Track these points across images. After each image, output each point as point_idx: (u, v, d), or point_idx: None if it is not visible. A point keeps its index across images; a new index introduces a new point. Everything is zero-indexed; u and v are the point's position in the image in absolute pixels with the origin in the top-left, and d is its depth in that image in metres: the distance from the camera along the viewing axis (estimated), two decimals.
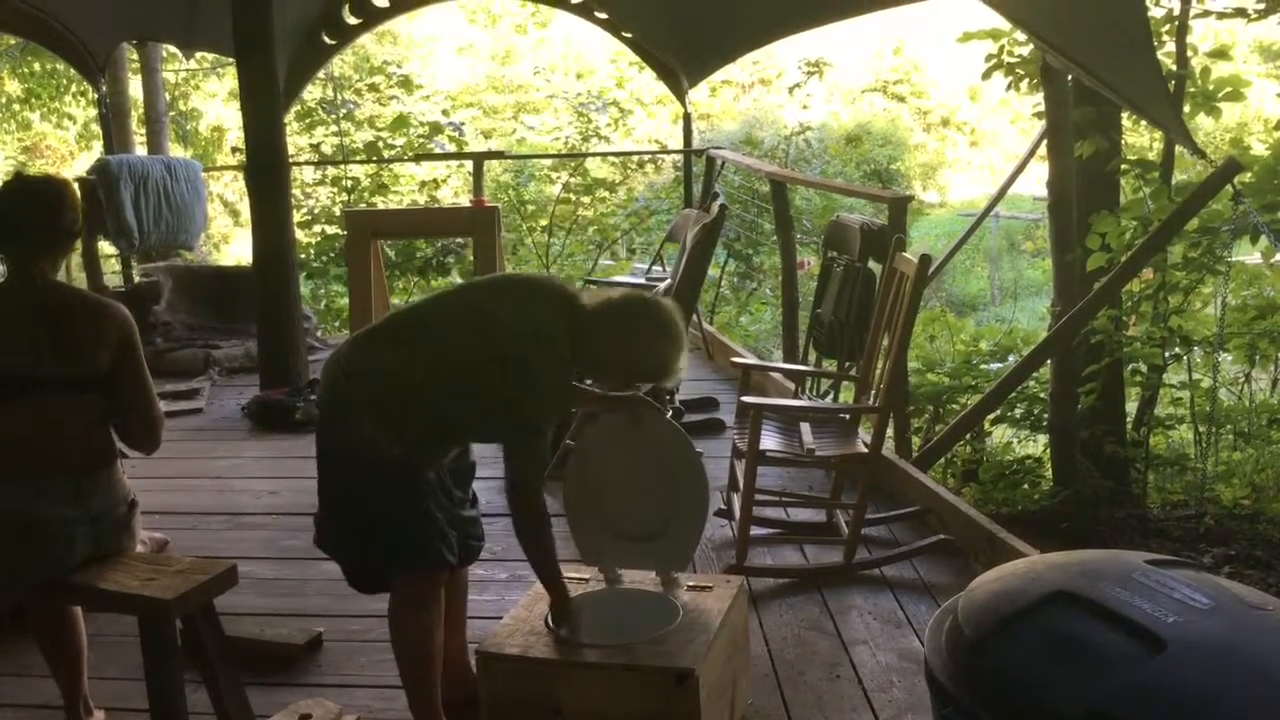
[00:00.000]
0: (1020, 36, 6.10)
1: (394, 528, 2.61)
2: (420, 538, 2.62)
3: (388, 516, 2.61)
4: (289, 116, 8.67)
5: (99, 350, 2.68)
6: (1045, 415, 6.44)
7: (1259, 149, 6.98)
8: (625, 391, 2.89)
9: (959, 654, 1.97)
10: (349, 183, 11.10)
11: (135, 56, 10.78)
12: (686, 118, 8.64)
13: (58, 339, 2.64)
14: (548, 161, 12.88)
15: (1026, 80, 6.40)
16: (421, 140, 10.95)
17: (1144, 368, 6.16)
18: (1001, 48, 6.39)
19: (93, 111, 13.46)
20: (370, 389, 2.60)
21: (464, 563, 2.84)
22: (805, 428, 4.08)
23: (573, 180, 11.96)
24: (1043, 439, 6.74)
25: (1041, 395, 6.54)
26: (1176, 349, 6.03)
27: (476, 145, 15.49)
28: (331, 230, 10.70)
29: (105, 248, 7.99)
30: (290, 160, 6.65)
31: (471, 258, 8.11)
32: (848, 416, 4.28)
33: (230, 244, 17.42)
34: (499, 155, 10.81)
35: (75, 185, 2.95)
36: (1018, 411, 6.80)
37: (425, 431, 2.61)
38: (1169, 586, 1.90)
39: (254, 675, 2.97)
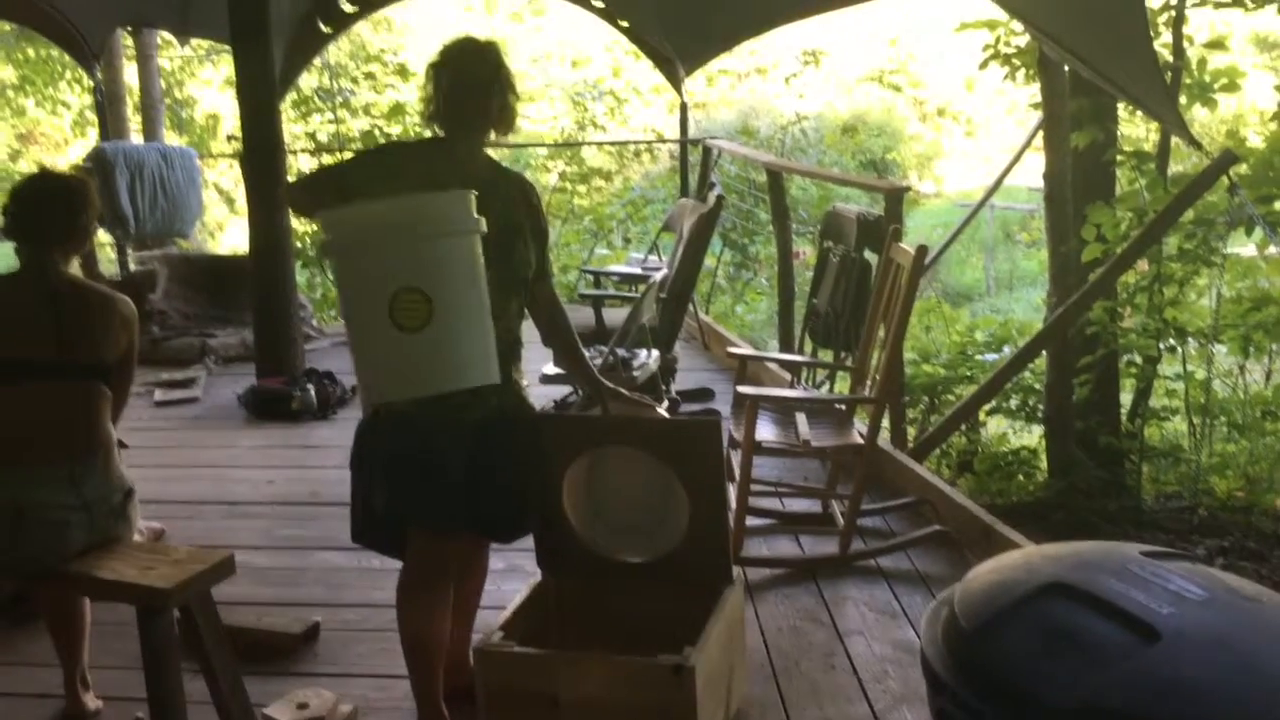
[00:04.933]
0: (1017, 27, 6.10)
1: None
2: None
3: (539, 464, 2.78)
4: (285, 104, 8.64)
5: (104, 343, 2.73)
6: (1040, 406, 6.45)
7: (1255, 141, 7.00)
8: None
9: (955, 645, 1.98)
10: None
11: (130, 43, 10.74)
12: (683, 107, 8.62)
13: (64, 329, 2.68)
14: (543, 150, 12.87)
15: (1023, 71, 6.39)
16: (417, 128, 10.91)
17: (1139, 359, 6.17)
18: (998, 38, 6.38)
19: (88, 98, 13.39)
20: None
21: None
22: (801, 418, 4.09)
23: (569, 169, 11.95)
24: (1038, 430, 6.75)
25: (1037, 386, 6.55)
26: (1171, 341, 6.03)
27: None
28: None
29: (101, 236, 7.97)
30: (286, 148, 6.62)
31: None
32: (843, 407, 4.29)
33: (226, 232, 17.34)
34: (494, 143, 10.77)
35: (91, 184, 2.98)
36: (1013, 402, 6.81)
37: (506, 349, 2.61)
38: (1164, 578, 1.91)
39: (251, 664, 2.98)
